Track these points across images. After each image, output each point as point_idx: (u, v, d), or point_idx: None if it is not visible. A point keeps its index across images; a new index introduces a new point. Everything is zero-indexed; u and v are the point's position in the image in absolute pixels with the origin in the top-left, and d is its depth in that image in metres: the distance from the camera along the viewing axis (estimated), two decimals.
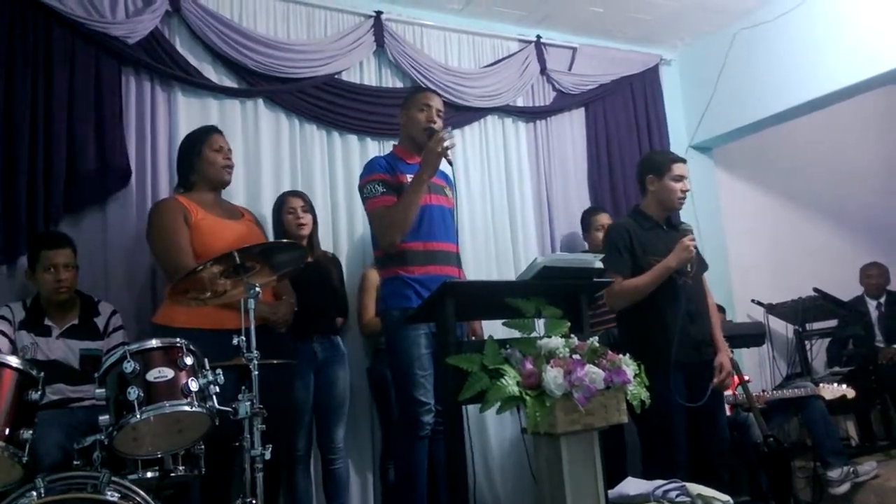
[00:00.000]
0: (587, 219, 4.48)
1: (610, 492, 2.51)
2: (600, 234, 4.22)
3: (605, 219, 4.35)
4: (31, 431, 2.16)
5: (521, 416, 2.45)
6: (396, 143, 3.40)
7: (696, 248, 3.19)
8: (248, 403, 2.37)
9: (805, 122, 5.13)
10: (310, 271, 3.45)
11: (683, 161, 3.36)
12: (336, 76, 4.13)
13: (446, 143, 2.98)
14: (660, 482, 2.66)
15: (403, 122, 3.27)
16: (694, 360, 3.12)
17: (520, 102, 4.74)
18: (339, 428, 3.59)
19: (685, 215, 3.44)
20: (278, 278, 2.68)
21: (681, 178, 3.27)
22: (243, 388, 2.42)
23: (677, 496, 2.60)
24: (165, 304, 2.98)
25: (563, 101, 4.87)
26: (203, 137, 3.21)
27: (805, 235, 5.68)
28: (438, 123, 3.19)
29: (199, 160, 3.16)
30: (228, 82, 3.85)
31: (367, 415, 3.93)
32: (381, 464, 3.78)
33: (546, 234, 4.67)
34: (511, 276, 4.36)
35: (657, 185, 3.29)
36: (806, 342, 4.99)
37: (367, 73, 4.30)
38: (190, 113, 3.70)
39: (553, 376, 2.26)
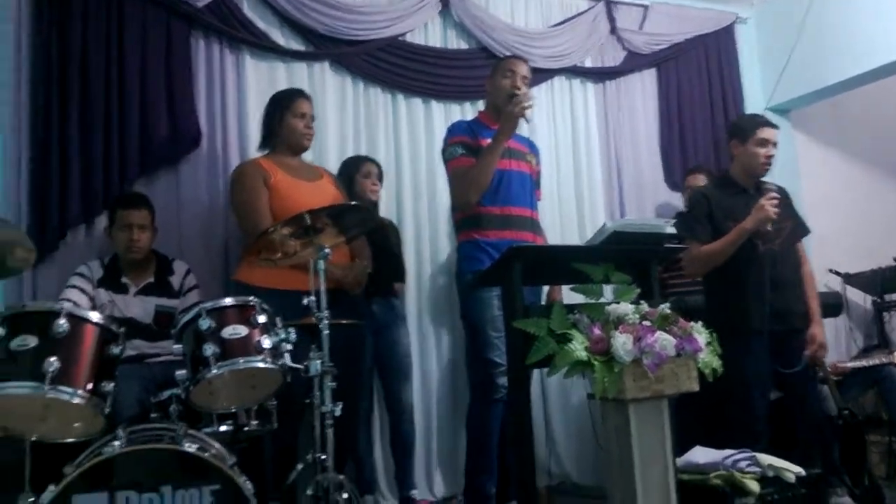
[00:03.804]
0: (684, 178, 4.41)
1: (678, 460, 2.48)
2: None
3: (698, 180, 4.22)
4: (112, 384, 2.24)
5: (587, 381, 2.44)
6: (482, 109, 3.45)
7: (794, 211, 3.12)
8: (318, 362, 2.41)
9: (890, 84, 4.88)
10: (371, 237, 3.50)
11: (772, 126, 3.25)
12: (401, 38, 4.10)
13: (524, 104, 3.01)
14: (730, 452, 2.61)
15: (489, 89, 3.33)
16: (777, 329, 3.04)
17: (588, 63, 4.63)
18: (405, 388, 3.63)
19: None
20: (347, 240, 2.70)
21: (766, 143, 3.17)
22: (313, 346, 2.46)
23: (747, 466, 2.55)
24: (244, 262, 3.06)
25: (634, 62, 4.73)
26: (287, 102, 3.25)
27: (886, 202, 5.43)
28: (523, 90, 3.20)
29: (281, 124, 3.21)
30: (295, 45, 3.85)
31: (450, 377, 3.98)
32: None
33: (614, 199, 4.58)
34: (576, 241, 4.31)
35: (741, 149, 3.22)
36: (884, 313, 4.82)
37: (431, 34, 4.25)
38: (258, 76, 3.73)
39: (622, 342, 2.23)
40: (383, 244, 3.64)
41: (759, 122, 3.28)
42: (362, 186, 3.60)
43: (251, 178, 3.09)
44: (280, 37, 3.83)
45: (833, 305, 4.27)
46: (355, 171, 3.65)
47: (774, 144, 3.21)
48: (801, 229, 3.33)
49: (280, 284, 2.80)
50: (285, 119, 3.21)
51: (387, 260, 3.65)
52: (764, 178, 3.25)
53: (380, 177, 3.72)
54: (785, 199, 3.23)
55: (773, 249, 3.10)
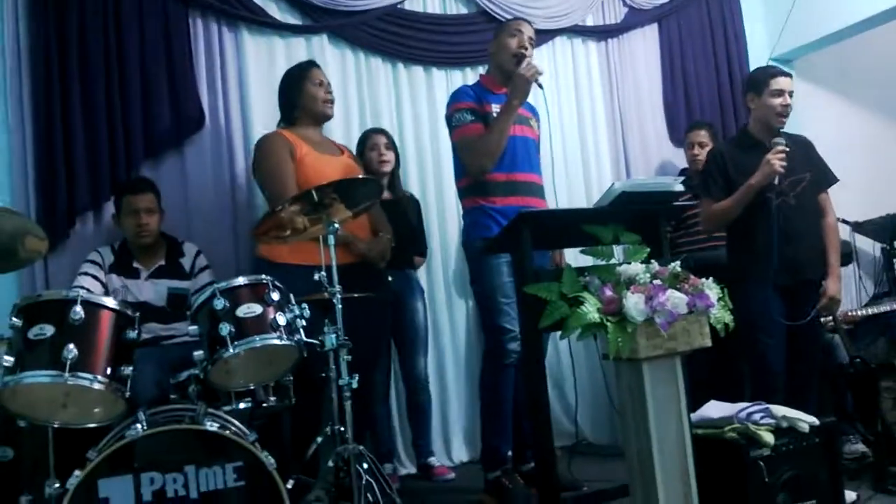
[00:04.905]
0: (685, 135, 4.38)
1: (693, 415, 2.50)
2: (694, 151, 4.18)
3: (699, 136, 4.20)
4: (130, 368, 2.26)
5: (598, 343, 2.45)
6: (483, 73, 3.41)
7: (817, 161, 3.15)
8: (333, 336, 2.43)
9: (893, 29, 4.81)
10: (389, 209, 3.50)
11: (786, 75, 3.21)
12: (399, 6, 4.06)
13: (537, 69, 3.04)
14: (744, 405, 2.63)
15: (493, 50, 3.30)
16: (790, 282, 3.05)
17: (589, 21, 4.58)
18: (421, 359, 3.68)
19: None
20: (356, 214, 2.70)
21: (781, 93, 3.14)
22: (326, 321, 2.49)
23: (762, 418, 2.57)
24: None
25: (635, 18, 4.68)
26: (304, 73, 3.22)
27: (893, 149, 5.38)
28: (530, 50, 3.20)
29: (302, 95, 3.18)
30: (292, 20, 3.82)
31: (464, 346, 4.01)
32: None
33: (620, 158, 4.57)
34: (583, 203, 4.31)
35: (757, 102, 3.19)
36: (894, 260, 4.80)
37: (430, 0, 4.21)
38: (258, 53, 3.71)
39: (634, 302, 2.23)
40: (402, 217, 3.66)
41: (773, 71, 3.25)
42: (370, 158, 3.61)
43: (277, 148, 3.05)
44: (276, 12, 3.79)
45: (842, 254, 4.25)
46: (362, 145, 3.66)
47: (790, 94, 3.18)
48: (825, 179, 3.27)
49: (306, 260, 2.77)
50: (305, 89, 3.17)
51: (406, 234, 3.67)
52: (784, 131, 3.22)
53: (391, 146, 3.71)
54: (805, 150, 3.22)
55: (787, 202, 3.08)
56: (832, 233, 3.23)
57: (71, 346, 2.11)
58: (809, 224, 3.17)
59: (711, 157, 3.27)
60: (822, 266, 3.17)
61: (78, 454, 2.13)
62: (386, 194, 3.67)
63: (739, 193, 3.07)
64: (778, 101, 3.14)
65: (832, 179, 3.29)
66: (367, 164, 3.62)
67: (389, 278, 3.52)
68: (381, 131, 3.75)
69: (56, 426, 2.24)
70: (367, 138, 3.70)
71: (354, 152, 3.70)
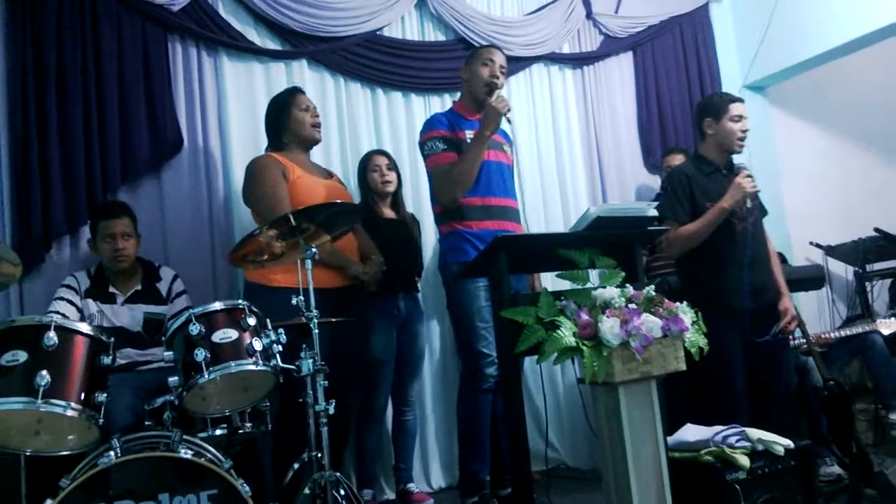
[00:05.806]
0: (662, 160, 4.44)
1: (669, 439, 2.52)
2: None
3: (676, 160, 4.24)
4: (105, 395, 2.24)
5: (576, 367, 2.45)
6: (457, 99, 3.46)
7: (757, 192, 3.16)
8: (310, 361, 2.43)
9: (863, 57, 4.93)
10: (396, 230, 3.53)
11: (741, 101, 3.30)
12: (378, 32, 4.10)
13: (507, 103, 3.08)
14: (720, 428, 2.65)
15: (466, 77, 3.34)
16: (753, 307, 3.09)
17: (566, 49, 4.65)
18: (414, 382, 3.69)
19: (738, 158, 3.38)
20: (333, 238, 2.71)
21: (739, 119, 3.22)
22: (304, 346, 2.48)
23: (737, 441, 2.59)
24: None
25: (611, 46, 4.76)
26: (290, 98, 3.26)
27: (865, 174, 5.49)
28: (501, 79, 3.25)
29: (289, 120, 3.21)
30: (272, 45, 3.84)
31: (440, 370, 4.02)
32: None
33: (596, 184, 4.62)
34: (560, 228, 4.34)
35: (715, 127, 3.25)
36: (866, 283, 4.88)
37: (409, 28, 4.26)
38: (237, 78, 3.71)
39: (609, 326, 2.26)
40: (408, 237, 3.67)
41: (730, 98, 3.32)
42: (372, 179, 3.63)
43: (271, 170, 3.07)
44: (256, 37, 3.81)
45: (815, 278, 4.31)
46: (364, 166, 3.69)
47: (746, 119, 3.26)
48: (764, 210, 3.38)
49: (303, 282, 2.67)
50: (292, 114, 3.21)
51: (413, 255, 3.68)
52: (733, 158, 3.30)
53: (392, 167, 3.72)
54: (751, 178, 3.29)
55: (748, 228, 3.14)
56: (776, 257, 3.36)
57: (44, 372, 2.09)
58: (764, 249, 3.25)
59: (677, 180, 3.24)
60: (778, 290, 3.25)
61: (50, 482, 2.09)
62: (391, 214, 3.69)
63: (710, 216, 3.09)
64: (738, 125, 3.22)
65: (766, 211, 3.41)
66: (370, 185, 3.64)
67: (402, 304, 3.53)
68: (383, 152, 3.77)
69: (28, 454, 2.21)
70: (368, 160, 3.71)
71: (354, 174, 3.75)
